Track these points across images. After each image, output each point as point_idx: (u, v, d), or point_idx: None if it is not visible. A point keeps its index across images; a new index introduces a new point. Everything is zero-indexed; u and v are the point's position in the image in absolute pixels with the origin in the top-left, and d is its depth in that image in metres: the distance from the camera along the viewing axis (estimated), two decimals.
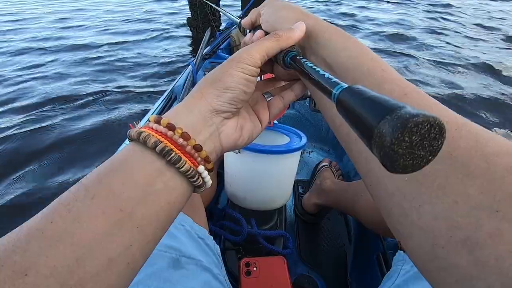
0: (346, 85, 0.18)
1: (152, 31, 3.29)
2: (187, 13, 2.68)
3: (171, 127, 0.23)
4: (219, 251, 0.50)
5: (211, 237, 0.49)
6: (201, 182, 0.24)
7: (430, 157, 0.14)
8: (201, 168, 0.24)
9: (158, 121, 0.24)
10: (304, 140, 0.73)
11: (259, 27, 0.34)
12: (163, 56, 2.61)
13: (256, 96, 0.31)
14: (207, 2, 1.91)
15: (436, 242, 0.18)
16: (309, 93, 0.92)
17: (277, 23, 0.30)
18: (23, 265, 0.17)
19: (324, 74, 0.21)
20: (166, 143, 0.22)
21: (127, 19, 3.64)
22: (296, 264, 0.81)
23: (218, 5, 2.05)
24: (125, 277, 0.21)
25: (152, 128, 0.23)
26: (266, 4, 0.33)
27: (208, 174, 0.25)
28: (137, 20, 3.70)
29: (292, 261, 0.80)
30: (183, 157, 0.23)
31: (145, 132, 0.23)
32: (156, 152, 0.22)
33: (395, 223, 0.22)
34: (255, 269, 0.55)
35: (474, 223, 0.17)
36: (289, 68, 0.27)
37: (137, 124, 0.25)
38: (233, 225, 0.76)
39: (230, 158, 0.75)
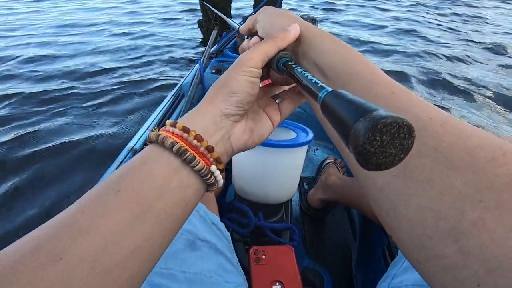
0: (330, 89, 0.19)
1: (166, 32, 3.43)
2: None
3: (185, 129, 0.25)
4: (230, 239, 0.52)
5: (223, 224, 0.51)
6: (213, 180, 0.26)
7: (402, 155, 0.15)
8: (213, 167, 0.26)
9: (174, 125, 0.26)
10: (311, 135, 0.75)
11: (255, 33, 0.35)
12: (174, 56, 2.74)
13: (266, 99, 0.33)
14: (207, 4, 1.96)
15: (424, 233, 0.19)
16: None
17: (272, 29, 0.32)
18: (57, 251, 0.18)
19: (312, 79, 0.22)
20: (182, 144, 0.24)
21: (141, 22, 3.76)
22: (302, 258, 0.83)
23: (229, 7, 2.12)
24: (145, 266, 0.22)
25: (169, 131, 0.25)
26: (262, 11, 0.35)
27: (220, 174, 0.27)
28: (153, 21, 3.83)
29: (298, 254, 0.82)
30: (197, 157, 0.24)
31: (162, 134, 0.25)
32: (173, 152, 0.24)
33: (385, 216, 0.23)
34: (264, 256, 0.56)
35: (459, 213, 0.18)
36: (282, 73, 0.28)
37: (154, 130, 0.27)
38: (241, 218, 0.78)
39: None
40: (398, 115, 0.14)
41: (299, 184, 1.02)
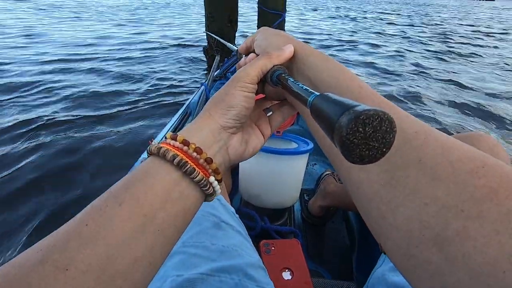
0: (318, 93, 0.20)
1: (175, 59, 3.79)
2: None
3: (186, 142, 0.26)
4: (245, 229, 0.58)
5: (238, 216, 0.58)
6: (211, 191, 0.27)
7: (384, 149, 0.15)
8: (212, 178, 0.27)
9: (174, 138, 0.26)
10: (311, 145, 0.83)
11: (253, 52, 0.37)
12: (183, 79, 3.00)
13: (258, 112, 0.35)
14: (211, 34, 2.13)
15: (411, 242, 0.20)
16: None
17: (268, 47, 0.34)
18: (64, 262, 0.19)
19: (302, 87, 0.24)
20: (182, 157, 0.25)
21: (152, 54, 4.13)
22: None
23: (234, 34, 2.30)
24: (147, 275, 0.23)
25: (170, 144, 0.26)
26: (260, 32, 0.37)
27: (218, 184, 0.28)
28: (166, 49, 4.22)
29: None
30: (197, 169, 0.25)
31: (164, 147, 0.25)
32: (174, 164, 0.25)
33: (374, 225, 0.23)
34: (273, 248, 0.62)
35: (443, 222, 0.18)
36: (276, 85, 0.30)
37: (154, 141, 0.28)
38: (247, 222, 0.84)
39: None
40: (380, 109, 0.15)
41: (300, 196, 1.09)
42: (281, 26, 2.59)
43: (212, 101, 0.30)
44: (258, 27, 2.56)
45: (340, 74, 0.29)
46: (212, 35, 1.86)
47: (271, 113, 0.35)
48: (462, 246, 0.17)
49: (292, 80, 0.27)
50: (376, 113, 0.14)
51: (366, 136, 0.15)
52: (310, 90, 0.22)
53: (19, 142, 1.71)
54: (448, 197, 0.19)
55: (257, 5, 2.63)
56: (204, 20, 2.78)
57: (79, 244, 0.20)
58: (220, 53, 2.08)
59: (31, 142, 1.72)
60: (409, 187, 0.21)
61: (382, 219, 0.22)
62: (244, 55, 0.40)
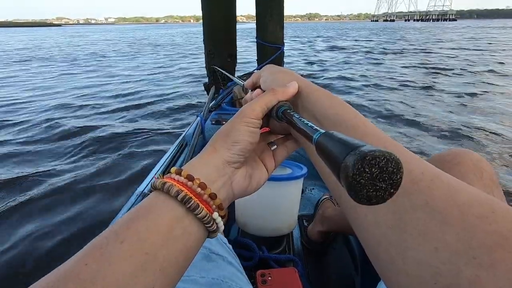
0: (323, 131, 0.20)
1: (176, 93, 4.15)
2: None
3: (190, 177, 0.26)
4: (238, 259, 0.57)
5: (231, 246, 0.57)
6: (215, 227, 0.27)
7: (392, 190, 0.15)
8: (215, 214, 0.26)
9: (179, 173, 0.26)
10: (305, 169, 0.84)
11: (258, 87, 0.38)
12: (182, 112, 3.29)
13: (262, 146, 0.35)
14: (219, 69, 2.23)
15: None
16: None
17: (273, 84, 0.35)
18: None
19: (307, 123, 0.24)
20: (186, 192, 0.25)
21: (160, 85, 4.44)
22: None
23: (235, 68, 2.42)
24: None
25: (174, 179, 0.26)
26: (265, 69, 0.38)
27: (222, 220, 0.27)
28: (168, 87, 4.62)
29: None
30: (201, 205, 0.25)
31: (168, 182, 0.25)
32: (178, 200, 0.25)
33: (384, 270, 0.23)
34: (269, 278, 0.61)
35: (455, 270, 0.18)
36: (281, 120, 0.31)
37: (159, 177, 0.28)
38: (245, 252, 0.82)
39: None
40: (385, 149, 0.15)
41: (299, 222, 1.07)
42: (280, 58, 2.68)
43: (217, 135, 0.30)
44: (258, 60, 2.67)
45: (345, 111, 0.29)
46: (222, 70, 1.95)
47: (275, 147, 0.35)
48: None
49: (297, 116, 0.27)
50: (382, 153, 0.15)
51: (372, 177, 0.15)
52: (315, 127, 0.23)
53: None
54: (458, 242, 0.18)
55: (255, 40, 2.74)
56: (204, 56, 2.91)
57: (78, 286, 0.19)
58: (215, 84, 2.14)
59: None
60: (418, 230, 0.20)
61: (391, 263, 0.21)
62: (250, 90, 0.41)
